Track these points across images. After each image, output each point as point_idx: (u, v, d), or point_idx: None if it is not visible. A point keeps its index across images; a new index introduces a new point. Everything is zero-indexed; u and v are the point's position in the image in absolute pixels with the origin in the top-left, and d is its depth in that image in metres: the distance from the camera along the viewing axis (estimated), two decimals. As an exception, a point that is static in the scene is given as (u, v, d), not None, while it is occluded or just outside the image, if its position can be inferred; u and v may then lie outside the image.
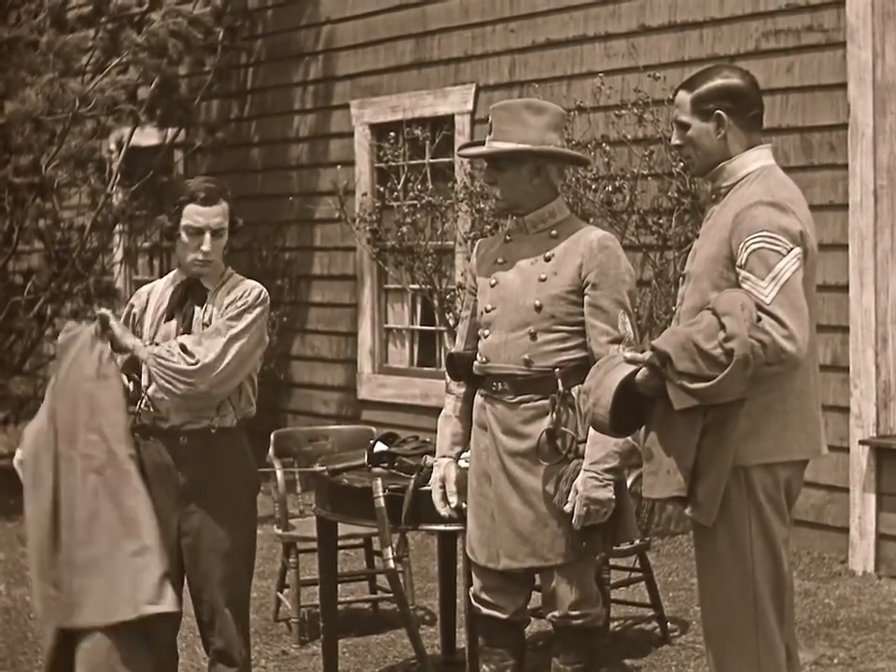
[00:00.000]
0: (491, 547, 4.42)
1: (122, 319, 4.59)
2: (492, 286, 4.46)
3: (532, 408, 4.35)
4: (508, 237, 4.52)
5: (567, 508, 4.26)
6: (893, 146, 7.05)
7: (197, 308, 4.49)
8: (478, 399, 4.50)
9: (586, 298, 4.33)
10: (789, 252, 3.55)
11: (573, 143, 7.77)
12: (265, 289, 4.56)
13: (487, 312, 4.45)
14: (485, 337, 4.45)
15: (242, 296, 4.46)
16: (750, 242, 3.56)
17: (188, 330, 4.47)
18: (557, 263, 4.36)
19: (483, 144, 4.51)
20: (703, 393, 3.50)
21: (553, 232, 4.42)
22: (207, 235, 4.41)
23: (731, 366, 3.44)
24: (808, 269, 3.63)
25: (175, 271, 4.64)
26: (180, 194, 4.47)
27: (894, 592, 6.70)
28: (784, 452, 3.66)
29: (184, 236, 4.45)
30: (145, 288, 4.69)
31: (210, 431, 4.47)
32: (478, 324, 4.53)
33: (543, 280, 4.36)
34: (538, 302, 4.34)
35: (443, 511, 4.57)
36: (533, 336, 4.35)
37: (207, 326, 4.45)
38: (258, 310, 4.45)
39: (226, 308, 4.45)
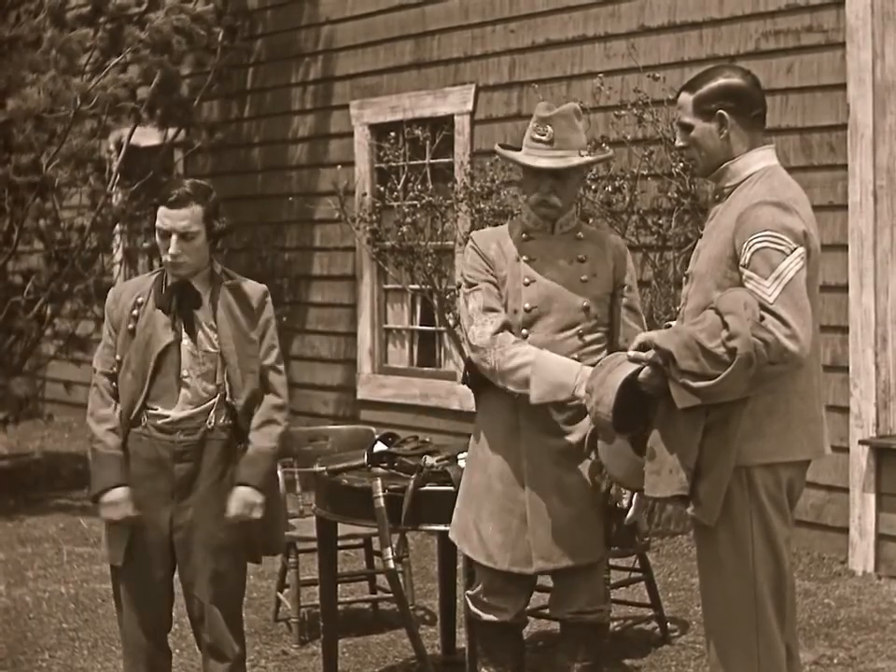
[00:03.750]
0: (517, 550, 4.39)
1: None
2: (526, 284, 4.41)
3: (575, 406, 4.33)
4: (525, 235, 4.49)
5: (625, 502, 4.30)
6: (893, 146, 7.05)
7: (197, 313, 4.50)
8: (506, 401, 4.41)
9: (622, 300, 4.44)
10: (792, 252, 3.55)
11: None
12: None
13: (528, 311, 4.40)
14: (525, 337, 4.40)
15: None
16: (754, 241, 3.56)
17: (190, 333, 4.48)
18: (592, 265, 4.43)
19: (499, 155, 4.55)
20: (705, 392, 3.50)
21: (580, 234, 4.48)
22: (174, 238, 4.42)
23: (734, 364, 3.44)
24: (811, 269, 3.63)
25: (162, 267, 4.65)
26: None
27: (894, 592, 6.70)
28: (786, 452, 3.66)
29: (157, 237, 4.49)
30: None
31: (208, 427, 4.49)
32: (512, 323, 4.42)
33: (585, 281, 4.40)
34: (586, 303, 4.39)
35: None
36: (581, 336, 4.39)
37: (215, 330, 4.49)
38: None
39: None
